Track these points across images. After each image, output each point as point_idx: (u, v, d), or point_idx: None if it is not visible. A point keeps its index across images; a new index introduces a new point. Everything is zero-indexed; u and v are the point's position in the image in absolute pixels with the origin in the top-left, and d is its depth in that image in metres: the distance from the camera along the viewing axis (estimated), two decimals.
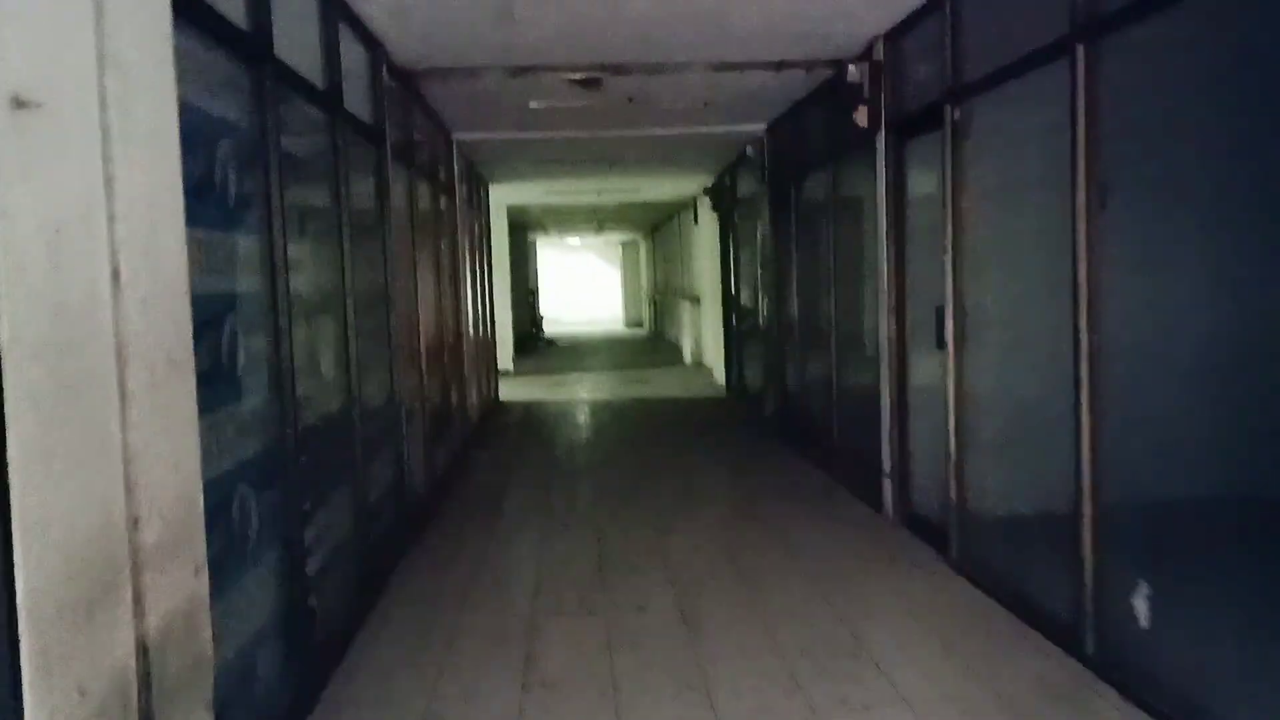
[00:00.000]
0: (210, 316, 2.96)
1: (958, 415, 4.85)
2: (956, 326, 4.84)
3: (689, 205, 16.81)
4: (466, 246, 10.19)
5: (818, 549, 5.51)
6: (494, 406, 12.15)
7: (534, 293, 26.56)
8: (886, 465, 5.98)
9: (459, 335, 9.12)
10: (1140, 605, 3.53)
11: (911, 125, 5.53)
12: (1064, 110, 3.74)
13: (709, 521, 6.23)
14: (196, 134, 2.88)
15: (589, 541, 5.83)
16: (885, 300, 5.90)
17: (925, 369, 5.51)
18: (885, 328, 5.90)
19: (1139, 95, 4.29)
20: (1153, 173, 4.72)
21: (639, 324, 30.91)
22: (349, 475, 4.56)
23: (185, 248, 2.24)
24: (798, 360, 8.48)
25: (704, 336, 16.01)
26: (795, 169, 8.28)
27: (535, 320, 26.91)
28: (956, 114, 4.72)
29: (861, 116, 5.77)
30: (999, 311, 4.88)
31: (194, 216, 2.51)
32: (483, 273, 12.12)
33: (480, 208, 11.90)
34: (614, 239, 31.35)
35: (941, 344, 4.96)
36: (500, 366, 16.41)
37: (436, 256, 8.04)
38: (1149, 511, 4.57)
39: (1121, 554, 3.79)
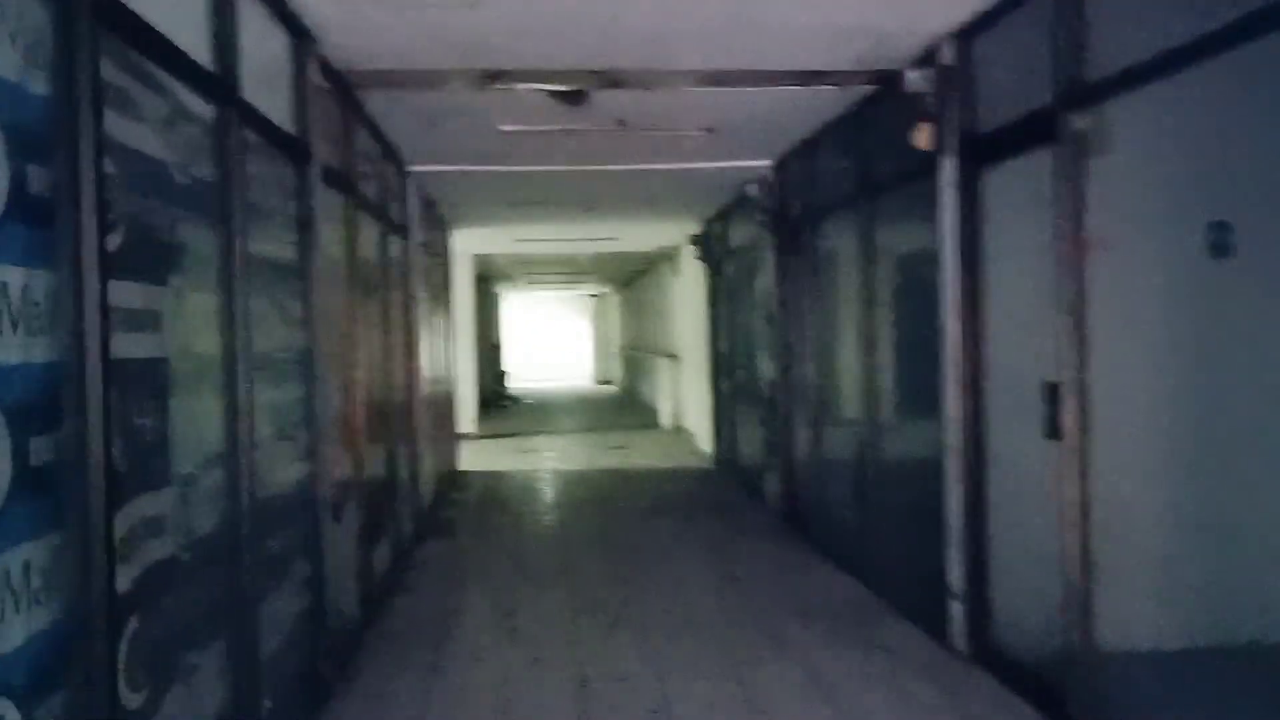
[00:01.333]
0: None
1: (1083, 527, 3.55)
2: (1079, 409, 3.56)
3: (670, 256, 15.60)
4: (424, 298, 8.87)
5: (869, 702, 4.14)
6: (452, 478, 10.71)
7: (498, 347, 25.19)
8: (954, 583, 4.65)
9: (411, 401, 7.74)
10: None
11: (993, 147, 4.30)
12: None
13: (717, 656, 4.83)
14: None
15: (566, 690, 4.43)
16: (951, 373, 4.62)
17: (1016, 462, 4.22)
18: (952, 407, 4.61)
19: None
20: None
21: (609, 381, 29.58)
22: (228, 626, 3.15)
23: None
24: (812, 434, 7.17)
25: (685, 398, 14.70)
26: (812, 210, 7.05)
27: (499, 377, 25.50)
28: (1081, 122, 3.48)
29: (923, 137, 4.55)
30: (1139, 391, 3.61)
31: None
32: (443, 328, 10.76)
33: (441, 254, 10.58)
34: (585, 291, 30.14)
35: (1055, 432, 3.67)
36: (462, 429, 15.02)
37: (385, 309, 6.69)
38: None
39: None
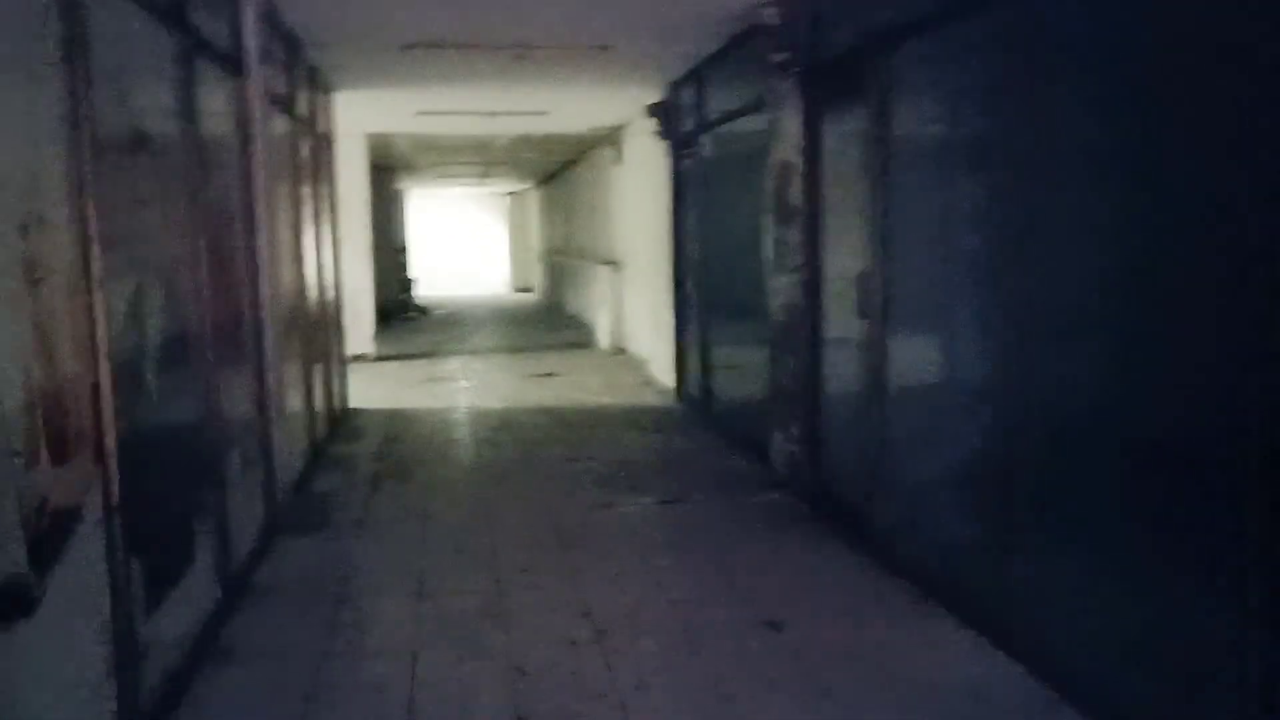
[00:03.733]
0: None
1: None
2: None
3: (612, 139, 12.87)
4: (279, 177, 6.12)
5: None
6: (337, 422, 8.07)
7: (403, 251, 22.16)
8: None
9: (258, 320, 5.08)
10: None
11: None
12: None
13: None
14: None
15: None
16: None
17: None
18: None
19: None
20: None
21: (528, 289, 26.82)
22: None
23: None
24: (870, 380, 4.74)
25: (630, 315, 12.17)
26: (880, 35, 4.49)
27: (405, 284, 22.54)
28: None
29: None
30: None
31: None
32: (321, 223, 7.97)
33: (311, 122, 7.72)
34: (500, 189, 27.07)
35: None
36: (357, 350, 12.27)
37: (190, 189, 3.99)
38: None
39: None
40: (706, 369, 8.03)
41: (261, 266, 5.12)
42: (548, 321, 17.87)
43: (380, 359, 12.49)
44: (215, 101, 4.57)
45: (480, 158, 16.76)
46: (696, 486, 6.06)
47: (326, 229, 8.32)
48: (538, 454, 7.03)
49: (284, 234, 6.25)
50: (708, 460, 6.77)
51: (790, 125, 5.54)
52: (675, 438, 7.56)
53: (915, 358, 4.42)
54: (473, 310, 20.98)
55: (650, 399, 9.25)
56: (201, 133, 4.18)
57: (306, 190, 7.27)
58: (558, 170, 19.36)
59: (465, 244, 31.10)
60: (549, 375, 10.93)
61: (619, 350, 12.60)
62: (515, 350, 13.44)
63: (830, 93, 5.15)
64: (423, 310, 20.60)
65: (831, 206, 5.24)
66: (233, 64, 4.90)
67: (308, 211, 7.24)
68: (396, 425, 8.24)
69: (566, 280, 19.16)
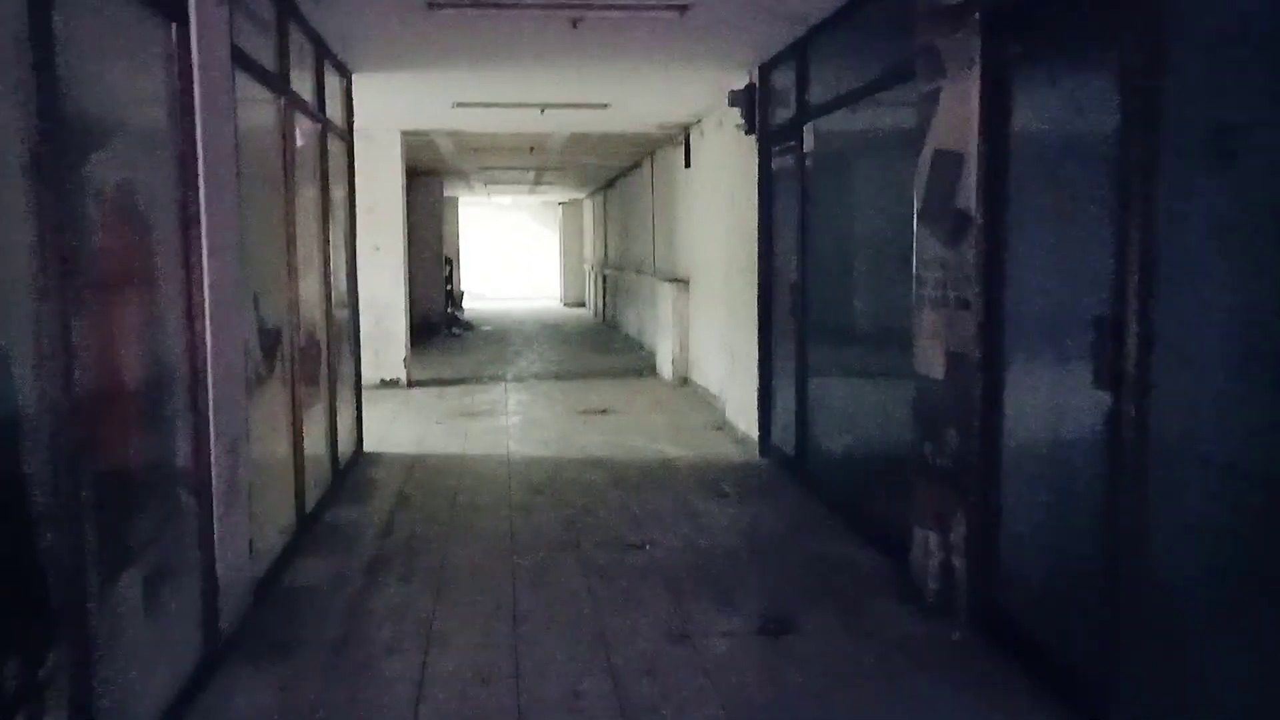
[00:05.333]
0: None
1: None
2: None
3: (677, 139, 11.28)
4: (282, 181, 4.67)
5: None
6: (345, 474, 6.55)
7: (450, 263, 20.78)
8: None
9: (270, 360, 3.57)
10: None
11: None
12: None
13: None
14: None
15: None
16: None
17: None
18: None
19: None
20: None
21: (581, 304, 25.33)
22: None
23: None
24: (1136, 498, 3.06)
25: (699, 341, 10.55)
26: None
27: (452, 297, 21.16)
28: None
29: None
30: None
31: None
32: (337, 234, 6.52)
33: (325, 109, 6.23)
34: (554, 198, 25.65)
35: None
36: (387, 375, 10.84)
37: (120, 199, 2.48)
38: None
39: None
40: (804, 417, 6.36)
41: (208, 297, 3.59)
42: (601, 342, 16.30)
43: (414, 385, 11.01)
44: (119, 43, 3.06)
45: (532, 162, 15.28)
46: (805, 596, 4.39)
47: (339, 238, 6.84)
48: (587, 532, 5.41)
49: (264, 248, 4.75)
50: (812, 547, 5.10)
51: (959, 99, 3.88)
52: (763, 509, 5.89)
53: (1197, 452, 2.74)
54: (521, 326, 19.50)
55: (725, 449, 7.60)
56: (94, 93, 2.67)
57: (308, 191, 5.78)
58: (616, 177, 17.83)
59: (516, 256, 29.73)
60: (603, 412, 9.33)
61: (683, 381, 10.97)
62: (565, 377, 11.87)
63: (1037, 44, 3.50)
64: (468, 326, 19.19)
65: (1029, 214, 3.58)
66: (174, 8, 3.39)
67: (308, 217, 5.75)
68: (416, 478, 6.69)
69: (623, 297, 17.59)
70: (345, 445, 6.90)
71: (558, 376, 11.94)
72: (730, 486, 6.40)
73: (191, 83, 3.50)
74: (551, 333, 18.19)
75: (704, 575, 4.68)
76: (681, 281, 11.19)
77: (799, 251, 6.33)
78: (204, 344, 3.56)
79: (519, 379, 11.76)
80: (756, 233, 7.27)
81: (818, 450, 6.20)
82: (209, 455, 3.60)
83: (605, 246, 20.76)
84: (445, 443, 7.94)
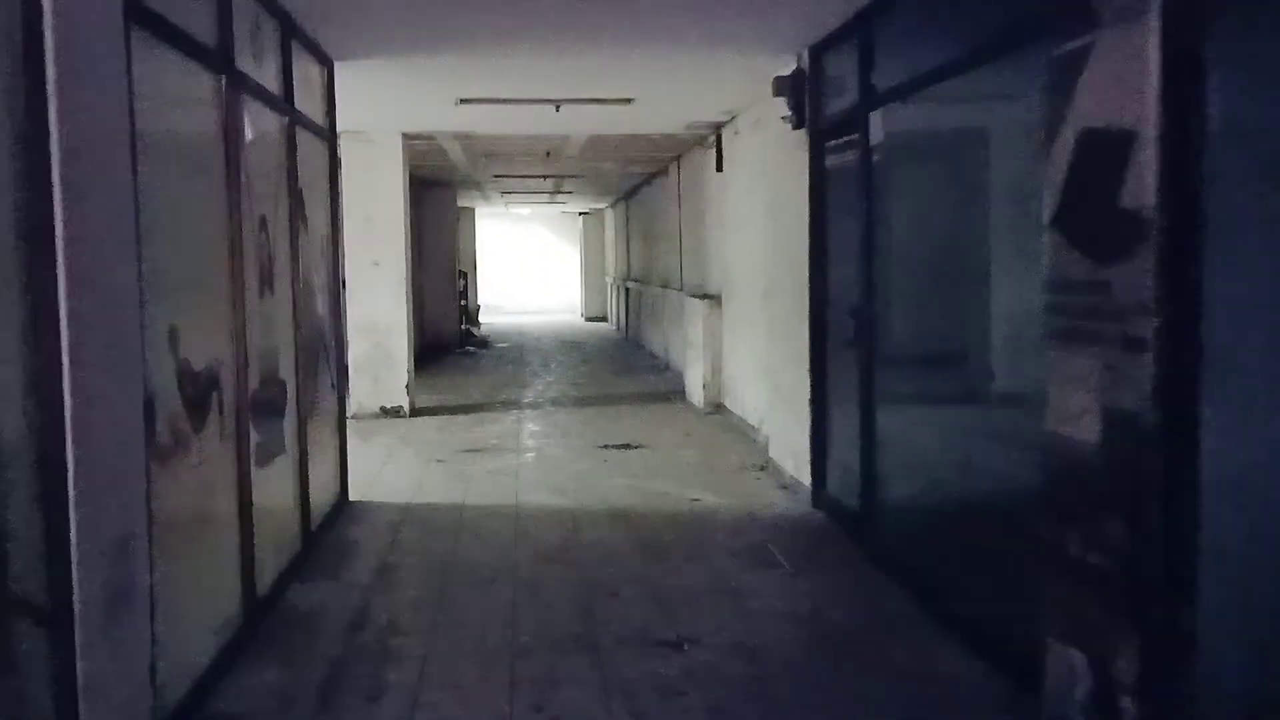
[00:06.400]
0: None
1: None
2: None
3: (703, 143, 10.21)
4: (226, 182, 3.64)
5: None
6: (317, 536, 5.48)
7: (465, 277, 19.80)
8: None
9: (201, 405, 2.53)
10: None
11: None
12: None
13: None
14: None
15: None
16: None
17: None
18: None
19: None
20: None
21: (602, 317, 24.29)
22: None
23: None
24: None
25: (734, 365, 9.46)
26: None
27: (467, 313, 20.18)
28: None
29: None
30: None
31: None
32: (312, 248, 5.51)
33: (293, 99, 5.19)
34: (573, 208, 24.65)
35: None
36: (388, 403, 9.84)
37: None
38: None
39: None
40: (870, 467, 5.25)
41: (67, 342, 2.53)
42: (624, 361, 15.22)
43: (418, 413, 9.98)
44: None
45: (548, 170, 14.25)
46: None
47: (316, 253, 5.81)
48: (608, 623, 4.30)
49: (191, 267, 3.71)
50: (897, 653, 3.96)
51: (1125, 59, 2.78)
52: (824, 586, 4.76)
53: None
54: (539, 343, 18.46)
55: (770, 496, 6.49)
56: None
57: (267, 196, 4.75)
58: (639, 185, 16.77)
59: (534, 269, 28.75)
60: (627, 446, 8.25)
61: (716, 408, 9.87)
62: (584, 403, 10.79)
63: None
64: (484, 343, 18.19)
65: (1242, 217, 2.47)
66: None
67: (271, 228, 4.71)
68: (405, 539, 5.62)
69: (647, 312, 16.51)
70: (323, 496, 5.86)
71: (577, 402, 10.86)
72: (781, 550, 5.28)
73: (41, 35, 2.46)
74: (571, 350, 17.13)
75: (760, 696, 3.58)
76: (713, 298, 10.09)
77: (864, 267, 5.23)
78: (60, 412, 2.50)
79: (534, 405, 10.70)
80: (806, 245, 6.17)
81: (889, 509, 5.08)
82: (69, 566, 2.54)
83: (628, 259, 19.70)
84: (445, 488, 6.88)
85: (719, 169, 9.80)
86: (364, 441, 8.54)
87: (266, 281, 4.69)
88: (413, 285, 14.67)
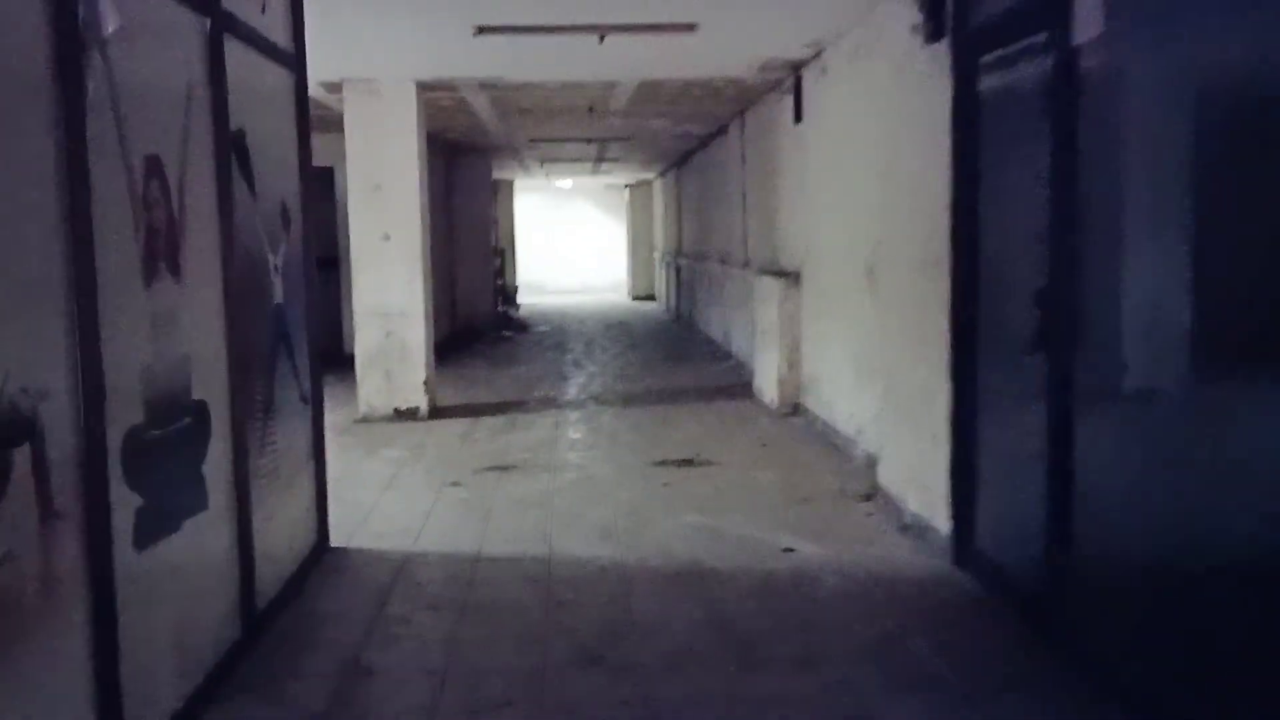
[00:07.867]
0: None
1: None
2: None
3: (778, 88, 8.43)
4: (70, 120, 1.99)
5: None
6: (279, 608, 3.89)
7: (501, 255, 18.24)
8: None
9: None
10: None
11: None
12: None
13: None
14: None
15: None
16: None
17: None
18: None
19: None
20: None
21: (650, 296, 22.64)
22: None
23: None
24: None
25: (818, 357, 7.74)
26: None
27: (505, 294, 18.65)
28: None
29: None
30: None
31: None
32: (270, 214, 3.89)
33: (217, 2, 3.58)
34: (619, 179, 22.94)
35: None
36: (402, 404, 8.31)
37: None
38: None
39: None
40: (1064, 515, 3.52)
41: None
42: (677, 346, 13.54)
43: (438, 413, 8.42)
44: None
45: (592, 132, 12.54)
46: None
47: (275, 221, 4.21)
48: None
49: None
50: None
51: None
52: None
53: None
54: (583, 326, 16.83)
55: (889, 543, 4.80)
56: None
57: (164, 131, 3.14)
58: (693, 150, 15.02)
59: (578, 245, 27.09)
60: (689, 463, 6.60)
61: (793, 409, 8.17)
62: (634, 400, 9.15)
63: None
64: (522, 327, 16.61)
65: None
66: None
67: (186, 183, 3.12)
68: (390, 619, 4.02)
69: (702, 291, 14.81)
70: (289, 551, 4.28)
71: (625, 399, 9.22)
72: (929, 648, 3.60)
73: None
74: (618, 334, 15.49)
75: None
76: (789, 276, 8.37)
77: (1054, 235, 3.50)
78: None
79: (575, 403, 9.08)
80: (941, 207, 4.44)
81: (1098, 588, 3.37)
82: None
83: (679, 233, 17.96)
84: (457, 527, 5.28)
85: (797, 120, 8.05)
86: (368, 455, 6.99)
87: (162, 258, 3.09)
88: (443, 263, 13.16)
